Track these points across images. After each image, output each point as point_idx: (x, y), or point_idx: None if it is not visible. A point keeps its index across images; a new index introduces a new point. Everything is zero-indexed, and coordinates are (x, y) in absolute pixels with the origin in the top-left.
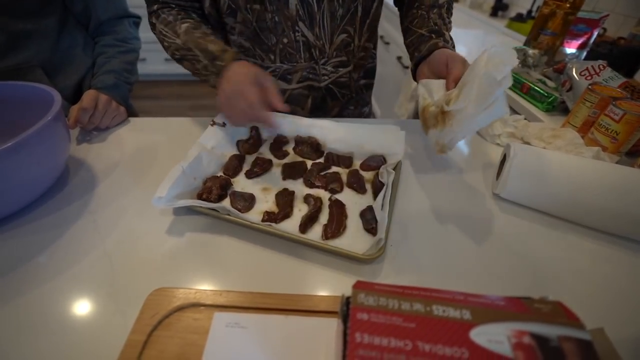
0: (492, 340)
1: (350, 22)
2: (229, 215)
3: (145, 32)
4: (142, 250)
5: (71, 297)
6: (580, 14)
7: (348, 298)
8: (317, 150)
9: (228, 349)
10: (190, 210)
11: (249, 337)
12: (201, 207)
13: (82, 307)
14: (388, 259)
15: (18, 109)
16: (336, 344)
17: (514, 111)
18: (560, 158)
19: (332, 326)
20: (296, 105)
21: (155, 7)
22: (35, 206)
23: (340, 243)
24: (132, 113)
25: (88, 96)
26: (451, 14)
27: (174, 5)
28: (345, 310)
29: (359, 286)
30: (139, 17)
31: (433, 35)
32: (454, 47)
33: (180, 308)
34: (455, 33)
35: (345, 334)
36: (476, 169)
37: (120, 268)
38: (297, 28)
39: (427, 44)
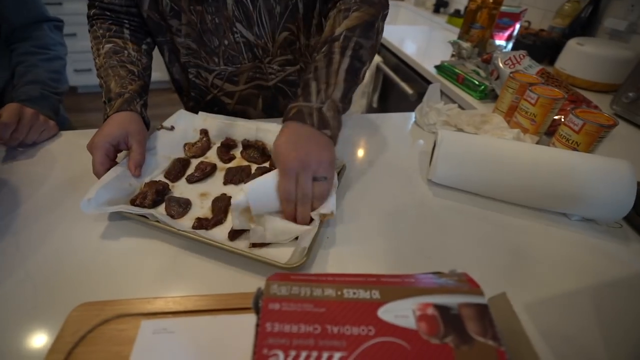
0: (398, 315)
1: (291, 19)
2: (157, 223)
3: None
4: (69, 267)
5: None
6: (503, 9)
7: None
8: (263, 154)
9: (155, 355)
10: (125, 218)
11: (177, 341)
12: (129, 213)
13: (3, 338)
14: (320, 255)
15: None
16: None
17: (450, 100)
18: (483, 141)
19: None
20: (247, 106)
21: (92, 12)
22: None
23: (268, 251)
24: (68, 126)
25: (8, 110)
26: (357, 45)
27: (109, 14)
28: (257, 302)
29: (273, 278)
30: (60, 21)
31: (300, 92)
32: (327, 104)
33: (105, 321)
34: (403, 29)
35: (257, 326)
36: (413, 158)
37: (44, 288)
38: (234, 29)
39: (291, 105)
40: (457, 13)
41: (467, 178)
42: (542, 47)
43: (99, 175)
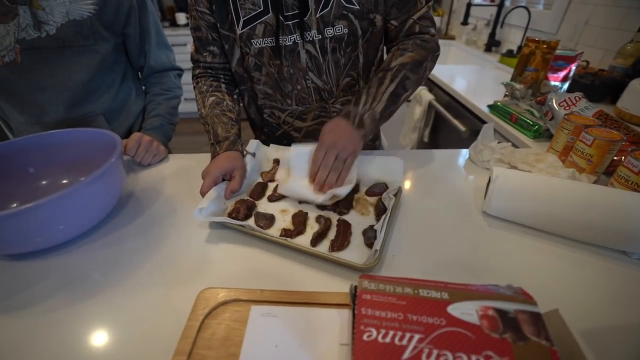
0: (464, 312)
1: (353, 68)
2: (253, 230)
3: None
4: (186, 260)
5: (133, 299)
6: (558, 52)
7: (356, 286)
8: None
9: (263, 332)
10: (222, 226)
11: (280, 324)
12: (231, 223)
13: (141, 309)
14: (386, 267)
15: (80, 150)
16: (348, 320)
17: (503, 138)
18: (537, 179)
19: (342, 315)
20: (313, 140)
21: (197, 72)
22: (96, 229)
23: (343, 255)
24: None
25: (132, 138)
26: (404, 76)
27: (210, 72)
28: (354, 293)
29: (364, 277)
30: (182, 70)
31: (353, 100)
32: (368, 113)
33: (224, 302)
34: (455, 68)
35: (354, 310)
36: (468, 191)
37: (170, 275)
38: (307, 77)
39: (345, 107)
40: (509, 53)
41: (522, 211)
42: (600, 86)
43: (203, 194)
